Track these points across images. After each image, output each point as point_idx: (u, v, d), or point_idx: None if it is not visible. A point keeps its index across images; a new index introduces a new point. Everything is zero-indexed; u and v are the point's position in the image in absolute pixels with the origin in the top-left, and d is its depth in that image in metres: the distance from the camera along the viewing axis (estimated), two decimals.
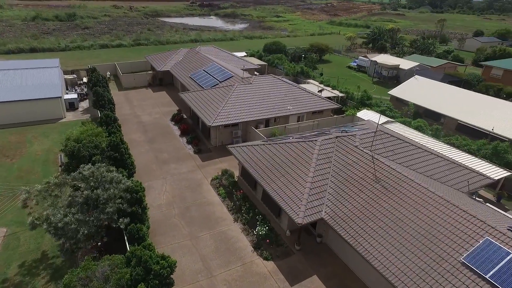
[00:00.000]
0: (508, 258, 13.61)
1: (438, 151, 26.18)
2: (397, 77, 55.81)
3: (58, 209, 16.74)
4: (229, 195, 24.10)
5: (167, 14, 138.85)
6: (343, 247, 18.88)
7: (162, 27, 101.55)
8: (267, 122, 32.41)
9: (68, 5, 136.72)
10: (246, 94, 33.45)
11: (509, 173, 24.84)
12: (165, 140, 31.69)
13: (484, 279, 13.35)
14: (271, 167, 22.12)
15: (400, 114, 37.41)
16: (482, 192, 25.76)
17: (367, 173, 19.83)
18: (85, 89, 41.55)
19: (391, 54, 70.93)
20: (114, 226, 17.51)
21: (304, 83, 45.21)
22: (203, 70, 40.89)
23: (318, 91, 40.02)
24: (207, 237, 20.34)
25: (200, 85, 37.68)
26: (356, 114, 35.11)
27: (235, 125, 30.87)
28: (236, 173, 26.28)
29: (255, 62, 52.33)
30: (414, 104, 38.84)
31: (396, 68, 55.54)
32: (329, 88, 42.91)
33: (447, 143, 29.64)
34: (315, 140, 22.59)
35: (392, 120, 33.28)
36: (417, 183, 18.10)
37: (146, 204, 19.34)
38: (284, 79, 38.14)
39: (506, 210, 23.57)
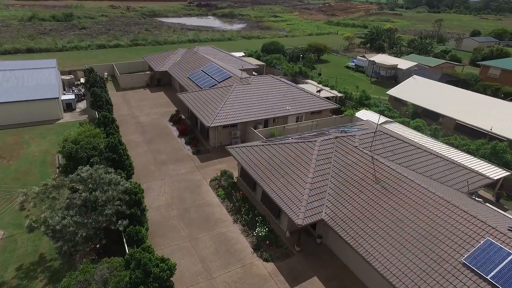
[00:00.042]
0: (509, 258, 13.58)
1: (437, 151, 26.18)
2: (395, 77, 55.88)
3: (56, 211, 16.57)
4: (228, 196, 23.99)
5: (165, 14, 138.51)
6: (343, 248, 18.81)
7: (160, 27, 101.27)
8: (266, 123, 32.32)
9: (65, 5, 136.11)
10: (245, 94, 33.34)
11: (508, 173, 24.87)
12: (163, 141, 31.53)
13: (486, 280, 13.31)
14: (271, 168, 22.02)
15: (398, 114, 37.43)
16: (481, 192, 25.76)
17: (367, 173, 19.77)
18: (83, 90, 41.32)
19: (389, 54, 71.02)
20: (112, 228, 17.35)
21: (303, 83, 45.16)
22: (201, 70, 40.74)
23: (316, 91, 39.98)
24: (206, 239, 20.22)
25: (198, 85, 37.55)
26: (354, 114, 35.09)
27: (234, 125, 30.75)
28: (235, 174, 26.16)
29: (254, 62, 52.24)
30: (412, 104, 38.87)
31: (394, 68, 55.61)
32: (327, 88, 42.88)
33: (446, 143, 29.65)
34: (315, 141, 22.52)
35: (391, 120, 33.27)
36: (417, 184, 18.06)
37: (145, 206, 19.20)
38: (282, 79, 38.07)
39: (505, 210, 23.60)
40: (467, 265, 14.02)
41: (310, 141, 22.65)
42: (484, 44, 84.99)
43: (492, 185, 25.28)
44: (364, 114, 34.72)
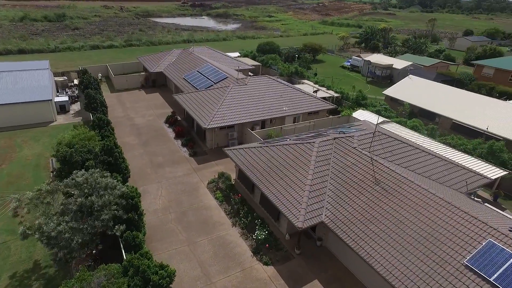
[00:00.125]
0: (511, 260, 13.50)
1: (434, 151, 26.17)
2: (390, 76, 56.03)
3: (51, 217, 16.15)
4: (226, 198, 23.70)
5: (159, 15, 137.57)
6: (343, 250, 18.65)
7: (154, 27, 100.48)
8: (263, 124, 32.09)
9: (57, 5, 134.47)
10: (241, 95, 33.07)
11: (505, 172, 24.94)
12: (159, 143, 31.12)
13: (489, 282, 13.22)
14: (269, 170, 21.79)
15: (395, 114, 37.45)
16: (478, 191, 25.79)
17: (366, 175, 19.63)
18: (76, 91, 40.69)
19: (384, 53, 71.25)
20: (109, 233, 16.97)
21: (299, 83, 45.01)
22: (197, 71, 40.37)
23: (313, 92, 39.85)
24: (205, 243, 19.92)
25: (194, 86, 37.18)
26: (351, 114, 35.02)
27: (230, 127, 30.46)
28: (233, 176, 25.88)
29: (249, 62, 51.98)
30: (409, 104, 38.89)
31: (389, 67, 55.75)
32: (324, 88, 42.79)
33: (443, 143, 29.68)
34: (313, 142, 22.33)
35: (388, 120, 33.24)
36: (417, 185, 17.96)
37: (143, 210, 18.85)
38: (279, 80, 37.86)
39: (503, 210, 23.66)
40: (469, 267, 13.93)
41: (309, 142, 22.46)
42: (477, 43, 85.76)
43: (489, 184, 25.32)
44: (361, 114, 34.67)
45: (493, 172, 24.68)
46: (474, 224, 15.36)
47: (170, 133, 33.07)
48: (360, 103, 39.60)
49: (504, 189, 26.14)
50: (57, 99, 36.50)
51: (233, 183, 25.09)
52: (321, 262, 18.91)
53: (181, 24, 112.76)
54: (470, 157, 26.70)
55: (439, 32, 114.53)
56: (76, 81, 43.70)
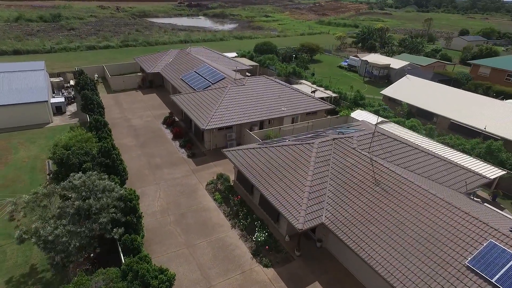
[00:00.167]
0: None
1: (433, 151, 26.16)
2: (388, 76, 56.11)
3: (48, 221, 15.91)
4: (225, 200, 23.53)
5: (155, 15, 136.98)
6: (344, 251, 18.56)
7: (151, 27, 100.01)
8: (261, 124, 31.96)
9: (52, 5, 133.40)
10: (240, 95, 32.91)
11: (503, 172, 24.98)
12: (157, 144, 30.88)
13: (491, 283, 13.17)
14: (268, 171, 21.65)
15: (393, 114, 37.45)
16: (478, 191, 25.82)
17: (366, 175, 19.55)
18: (73, 92, 40.31)
19: (381, 53, 71.34)
20: (107, 236, 16.75)
21: (297, 83, 44.92)
22: (195, 71, 40.16)
23: (311, 92, 39.77)
24: (204, 245, 19.74)
25: (191, 87, 36.97)
26: (350, 114, 34.97)
27: (229, 127, 30.29)
28: (232, 177, 25.72)
29: (247, 62, 51.82)
30: (407, 103, 38.92)
31: (387, 67, 55.81)
32: (322, 89, 42.72)
33: (442, 143, 29.71)
34: (312, 143, 22.22)
35: (386, 120, 33.23)
36: (418, 185, 17.90)
37: (142, 213, 18.64)
38: (277, 80, 37.74)
39: (502, 209, 23.70)
40: (471, 268, 13.88)
41: (308, 143, 22.35)
42: (473, 43, 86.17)
43: (488, 184, 25.35)
44: (359, 114, 34.63)
45: (492, 172, 24.71)
46: (475, 225, 15.32)
47: (168, 134, 32.84)
48: (358, 103, 39.58)
49: (502, 189, 26.19)
50: (53, 100, 36.14)
51: (232, 184, 24.92)
52: (321, 264, 18.80)
53: (178, 24, 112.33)
54: (468, 157, 26.72)
55: (435, 32, 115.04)
56: (72, 82, 43.31)
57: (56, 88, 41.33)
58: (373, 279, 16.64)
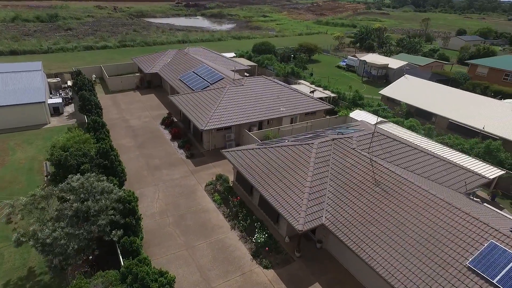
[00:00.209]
0: None
1: (432, 151, 26.17)
2: (386, 76, 56.14)
3: (46, 223, 15.74)
4: (224, 201, 23.41)
5: (153, 15, 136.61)
6: (344, 252, 18.49)
7: (148, 27, 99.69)
8: (260, 125, 31.86)
9: (49, 5, 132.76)
10: (238, 96, 32.80)
11: (503, 172, 25.01)
12: (155, 145, 30.72)
13: (492, 284, 13.13)
14: (268, 172, 21.56)
15: (392, 114, 37.46)
16: (477, 191, 25.85)
17: (366, 176, 19.50)
18: (70, 93, 40.07)
19: (379, 53, 71.43)
20: (106, 239, 16.61)
21: (295, 83, 44.86)
22: (193, 72, 40.01)
23: (310, 92, 39.72)
24: (203, 246, 19.62)
25: (190, 87, 36.82)
26: (349, 114, 34.93)
27: (228, 128, 30.18)
28: (231, 178, 25.61)
29: (245, 63, 51.71)
30: (406, 103, 38.93)
31: (385, 67, 55.85)
32: (320, 89, 42.69)
33: (441, 143, 29.73)
34: (312, 143, 22.15)
35: (385, 120, 33.23)
36: (418, 186, 17.86)
37: (141, 214, 18.50)
38: (275, 80, 37.66)
39: (501, 209, 23.71)
40: (472, 269, 13.84)
41: (307, 144, 22.28)
42: (470, 43, 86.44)
43: (487, 184, 25.37)
44: (358, 115, 34.60)
45: (491, 172, 24.74)
46: (475, 225, 15.29)
47: (166, 134, 32.68)
48: (357, 103, 39.56)
49: (501, 189, 26.22)
50: (50, 101, 35.89)
51: (231, 185, 24.80)
52: (321, 265, 18.73)
53: (176, 24, 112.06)
54: (467, 156, 26.73)
55: (433, 32, 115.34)
56: (69, 83, 43.04)
57: (54, 89, 41.04)
58: (374, 280, 16.58)
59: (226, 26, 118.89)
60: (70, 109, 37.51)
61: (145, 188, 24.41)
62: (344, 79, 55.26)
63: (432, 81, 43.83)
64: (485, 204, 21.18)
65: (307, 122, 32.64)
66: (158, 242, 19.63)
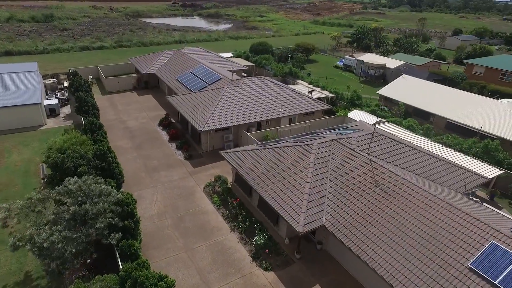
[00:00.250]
0: None
1: (431, 150, 26.16)
2: (383, 76, 56.21)
3: (43, 227, 15.50)
4: (223, 202, 23.25)
5: (149, 15, 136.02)
6: (344, 253, 18.40)
7: (145, 28, 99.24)
8: (258, 125, 31.72)
9: (44, 5, 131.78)
10: (237, 96, 32.64)
11: (501, 171, 25.05)
12: (153, 146, 30.48)
13: (494, 285, 13.08)
14: (267, 173, 21.43)
15: (390, 114, 37.46)
16: (477, 191, 25.86)
17: (366, 177, 19.42)
18: (66, 94, 39.70)
19: (376, 53, 71.55)
20: (104, 242, 16.39)
21: (293, 83, 44.77)
22: (190, 72, 39.79)
23: (308, 92, 39.64)
24: (203, 249, 19.45)
25: (188, 88, 36.61)
26: (347, 114, 34.89)
27: (226, 129, 30.00)
28: (230, 179, 25.45)
29: (242, 63, 51.55)
30: (404, 103, 38.96)
31: (382, 67, 55.91)
32: (318, 89, 42.64)
33: (439, 142, 29.74)
34: (311, 144, 22.05)
35: (383, 120, 33.21)
36: (418, 186, 17.81)
37: (139, 217, 18.29)
38: (273, 81, 37.54)
39: (499, 208, 23.74)
40: (473, 270, 13.78)
41: (307, 144, 22.17)
42: (467, 42, 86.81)
43: (485, 183, 25.39)
44: (356, 115, 34.57)
45: (490, 171, 24.77)
46: (476, 226, 15.25)
47: (164, 136, 32.45)
48: (355, 103, 39.54)
49: (499, 188, 26.27)
50: (46, 102, 35.54)
51: (230, 186, 24.65)
52: (322, 266, 18.62)
53: (172, 25, 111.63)
54: (466, 156, 26.76)
55: (429, 31, 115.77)
56: (66, 84, 42.63)
57: (50, 90, 40.66)
58: (375, 281, 16.50)
59: (223, 26, 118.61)
60: (66, 110, 37.15)
61: (143, 190, 24.19)
62: (341, 79, 55.26)
63: (430, 80, 43.91)
64: (484, 204, 21.19)
65: (305, 123, 32.56)
66: (157, 245, 19.44)
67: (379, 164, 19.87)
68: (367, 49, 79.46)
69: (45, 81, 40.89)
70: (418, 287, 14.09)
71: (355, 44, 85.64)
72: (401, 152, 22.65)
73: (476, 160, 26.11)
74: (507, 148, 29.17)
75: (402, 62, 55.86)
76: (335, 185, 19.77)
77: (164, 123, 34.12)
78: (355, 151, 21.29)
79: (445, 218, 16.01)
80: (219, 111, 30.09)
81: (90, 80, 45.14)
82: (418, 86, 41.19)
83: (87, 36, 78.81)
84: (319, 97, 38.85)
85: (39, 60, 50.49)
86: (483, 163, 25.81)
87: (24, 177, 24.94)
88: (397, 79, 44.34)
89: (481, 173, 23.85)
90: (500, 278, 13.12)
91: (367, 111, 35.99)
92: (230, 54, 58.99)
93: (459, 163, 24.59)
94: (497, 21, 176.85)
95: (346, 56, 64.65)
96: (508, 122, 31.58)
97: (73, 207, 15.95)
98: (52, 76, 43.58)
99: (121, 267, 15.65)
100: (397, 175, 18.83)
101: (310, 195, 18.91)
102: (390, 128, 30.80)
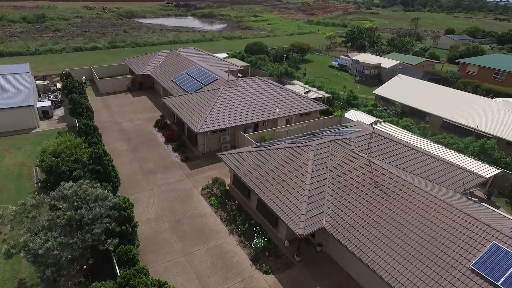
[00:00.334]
0: None
1: (428, 150, 26.16)
2: (379, 75, 56.34)
3: (37, 233, 15.09)
4: (221, 205, 22.98)
5: (143, 15, 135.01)
6: (344, 255, 18.26)
7: (139, 28, 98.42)
8: (255, 126, 31.50)
9: (36, 6, 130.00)
10: (233, 97, 32.38)
11: (498, 171, 25.15)
12: (149, 148, 30.09)
13: (496, 286, 13.02)
14: (266, 175, 21.21)
15: (386, 113, 37.50)
16: (475, 191, 25.93)
17: (365, 178, 19.31)
18: (60, 96, 39.05)
19: (371, 52, 71.76)
20: (101, 248, 16.03)
21: (289, 84, 44.62)
22: (186, 73, 39.42)
23: (304, 92, 39.52)
24: (201, 252, 19.17)
25: (183, 89, 36.25)
26: (344, 115, 34.84)
27: (223, 130, 29.72)
28: (227, 181, 25.18)
29: (238, 63, 51.29)
30: (400, 103, 39.02)
31: (377, 67, 56.03)
32: (314, 89, 42.54)
33: (436, 142, 29.80)
34: (309, 145, 21.89)
35: (380, 120, 33.21)
36: (418, 187, 17.73)
37: (137, 222, 17.95)
38: (269, 81, 37.34)
39: (497, 208, 23.82)
40: (476, 271, 13.72)
41: (305, 145, 22.00)
42: (459, 42, 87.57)
43: (483, 182, 25.44)
44: (353, 115, 34.52)
45: (487, 171, 24.85)
46: (477, 227, 15.20)
47: (160, 137, 32.06)
48: (352, 103, 39.52)
49: (496, 187, 26.37)
50: (39, 104, 34.89)
51: (227, 188, 24.38)
52: (322, 269, 18.46)
53: (166, 25, 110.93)
54: (463, 156, 26.83)
55: (422, 31, 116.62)
56: (59, 85, 41.98)
57: (42, 92, 39.97)
58: (376, 283, 16.37)
59: (217, 26, 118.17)
60: (60, 112, 36.53)
61: (140, 193, 23.82)
62: (337, 79, 55.27)
63: (425, 80, 44.09)
64: (483, 203, 21.22)
65: (302, 123, 32.42)
66: (154, 249, 19.11)
67: (378, 165, 19.78)
68: (361, 49, 79.71)
69: (37, 82, 40.20)
70: None
71: (349, 44, 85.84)
72: (399, 153, 22.60)
73: (473, 160, 26.20)
74: (502, 147, 29.34)
75: (397, 62, 56.04)
76: (335, 186, 19.62)
77: (160, 125, 33.72)
78: (353, 151, 21.18)
79: (446, 219, 15.95)
80: (215, 112, 29.81)
81: (83, 81, 44.50)
82: (413, 85, 41.31)
83: (80, 37, 77.87)
84: (316, 98, 38.75)
85: (31, 61, 49.67)
86: (480, 163, 25.90)
87: (17, 181, 24.40)
88: (392, 78, 44.43)
89: (479, 173, 23.92)
90: (502, 279, 13.07)
91: (363, 111, 35.98)
92: (225, 55, 58.69)
93: (457, 163, 24.63)
94: (488, 21, 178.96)
95: (341, 56, 64.72)
96: (504, 121, 31.79)
97: (69, 212, 15.57)
98: (44, 78, 42.86)
99: (118, 273, 15.31)
100: (397, 175, 18.74)
101: (309, 196, 18.73)
102: (387, 128, 30.79)
